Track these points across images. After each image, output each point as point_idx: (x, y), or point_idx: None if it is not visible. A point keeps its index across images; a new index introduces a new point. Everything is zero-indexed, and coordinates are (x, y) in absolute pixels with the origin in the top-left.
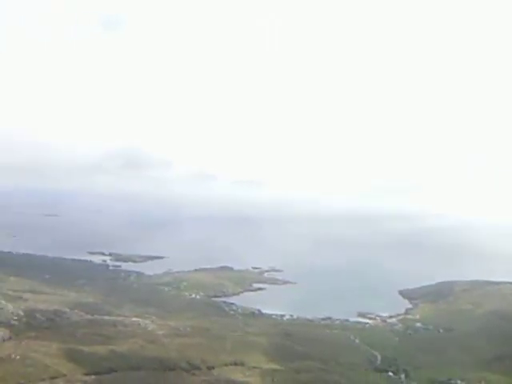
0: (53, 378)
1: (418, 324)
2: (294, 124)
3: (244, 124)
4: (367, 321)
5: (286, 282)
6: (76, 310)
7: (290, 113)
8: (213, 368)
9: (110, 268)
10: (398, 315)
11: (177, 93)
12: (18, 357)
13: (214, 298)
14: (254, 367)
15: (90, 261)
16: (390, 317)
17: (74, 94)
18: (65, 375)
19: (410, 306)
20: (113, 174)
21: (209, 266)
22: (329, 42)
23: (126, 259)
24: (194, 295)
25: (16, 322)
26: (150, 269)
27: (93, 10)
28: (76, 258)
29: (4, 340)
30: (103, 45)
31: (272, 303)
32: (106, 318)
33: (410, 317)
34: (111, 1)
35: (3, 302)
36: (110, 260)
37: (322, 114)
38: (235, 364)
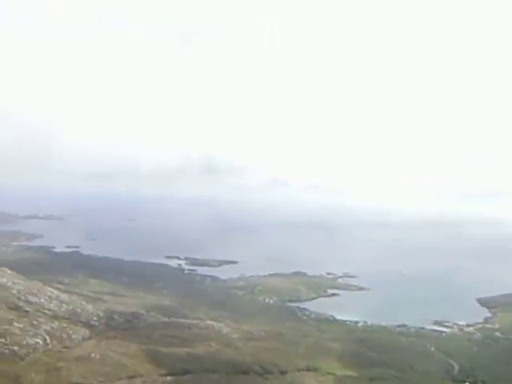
0: (130, 377)
1: (498, 334)
2: (365, 130)
3: (317, 130)
4: (444, 329)
5: (360, 288)
6: (153, 313)
7: (361, 119)
8: (286, 373)
9: (186, 272)
10: (476, 324)
11: (254, 101)
12: (97, 356)
13: (287, 303)
14: (328, 373)
15: (167, 265)
16: (468, 325)
17: (153, 102)
18: (142, 375)
19: (488, 314)
20: (190, 180)
21: (282, 272)
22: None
23: (201, 263)
24: (267, 300)
25: (96, 323)
26: (224, 273)
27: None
28: (153, 261)
29: (84, 339)
30: (182, 53)
31: (346, 309)
32: (182, 320)
33: (488, 326)
34: None
35: (84, 303)
36: (186, 264)
37: (392, 119)
38: (308, 369)
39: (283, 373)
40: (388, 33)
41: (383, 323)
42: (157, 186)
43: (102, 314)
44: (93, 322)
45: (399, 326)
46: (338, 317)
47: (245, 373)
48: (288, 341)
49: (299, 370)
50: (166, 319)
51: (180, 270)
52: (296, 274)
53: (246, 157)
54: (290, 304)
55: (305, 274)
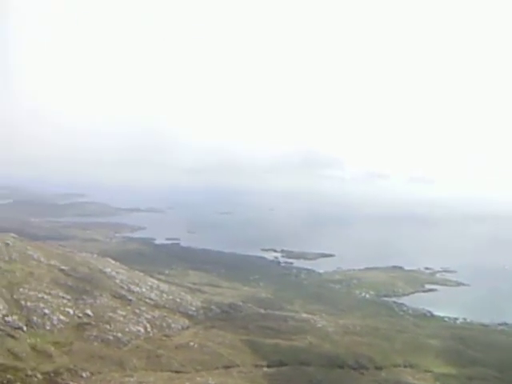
0: (226, 367)
1: None
2: (463, 120)
3: (415, 122)
4: None
5: (459, 284)
6: (249, 304)
7: (458, 110)
8: (381, 368)
9: (282, 265)
10: None
11: (351, 93)
12: (195, 345)
13: (383, 298)
14: (425, 370)
15: (263, 257)
16: None
17: (251, 97)
18: (238, 365)
19: None
20: (287, 174)
21: (379, 265)
22: None
23: (297, 256)
24: (364, 294)
25: (194, 313)
26: (320, 266)
27: None
28: (250, 254)
29: (183, 328)
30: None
31: (444, 305)
32: (278, 312)
33: None
34: None
35: (183, 293)
36: (282, 257)
37: (493, 110)
38: (405, 366)
39: (379, 368)
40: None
41: (483, 320)
42: (254, 179)
43: (200, 304)
44: (191, 312)
45: (500, 324)
46: (436, 313)
47: (340, 367)
48: (384, 336)
49: (395, 366)
50: (262, 311)
51: (276, 262)
52: (393, 268)
53: (342, 150)
54: (387, 298)
55: (402, 269)
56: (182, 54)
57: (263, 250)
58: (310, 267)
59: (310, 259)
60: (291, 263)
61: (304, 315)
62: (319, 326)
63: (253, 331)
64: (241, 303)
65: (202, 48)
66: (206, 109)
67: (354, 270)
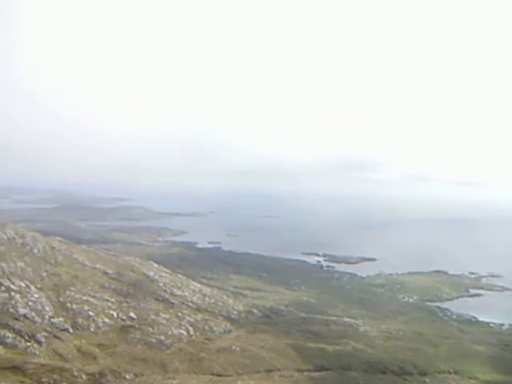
0: (268, 371)
1: None
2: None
3: (457, 124)
4: None
5: (505, 289)
6: (291, 308)
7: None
8: (425, 374)
9: (324, 269)
10: None
11: (391, 96)
12: (237, 348)
13: (427, 303)
14: (470, 377)
15: (305, 261)
16: None
17: (293, 104)
18: (279, 369)
19: None
20: (330, 178)
21: (422, 270)
22: None
23: (339, 260)
24: (407, 298)
25: (236, 317)
26: (362, 270)
27: None
28: (292, 258)
29: (225, 332)
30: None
31: (490, 311)
32: (320, 317)
33: None
34: None
35: (225, 297)
36: (324, 261)
37: None
38: (449, 372)
39: (422, 374)
40: None
41: None
42: (297, 183)
43: (242, 308)
44: (233, 316)
45: None
46: (481, 318)
47: (383, 372)
48: (428, 341)
49: (439, 373)
50: (304, 315)
51: (318, 266)
52: (437, 272)
53: (386, 153)
54: (430, 303)
55: (446, 273)
56: (226, 66)
57: (305, 253)
58: (352, 271)
59: (352, 263)
60: (333, 267)
61: (346, 319)
62: (362, 330)
63: (295, 335)
64: (283, 307)
65: (244, 60)
66: (249, 115)
67: (396, 274)
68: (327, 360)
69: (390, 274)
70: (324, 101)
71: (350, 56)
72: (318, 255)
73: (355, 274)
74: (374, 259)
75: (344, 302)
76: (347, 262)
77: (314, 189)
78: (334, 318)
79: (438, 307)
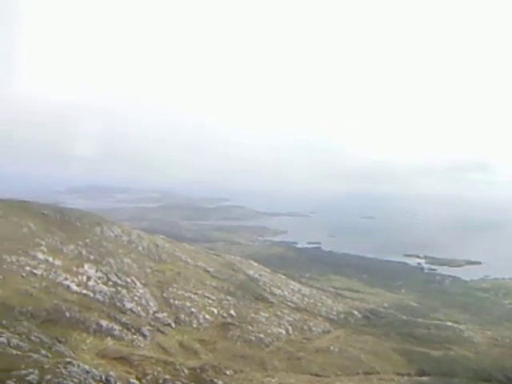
0: (367, 373)
1: None
2: None
3: None
4: None
5: None
6: (391, 310)
7: None
8: None
9: (425, 271)
10: None
11: (496, 97)
12: (336, 349)
13: None
14: None
15: (406, 263)
16: None
17: (396, 106)
18: (378, 372)
19: None
20: (433, 179)
21: None
22: None
23: (441, 263)
24: None
25: (335, 317)
26: (466, 274)
27: None
28: (392, 259)
29: (324, 332)
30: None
31: None
32: (420, 320)
33: None
34: None
35: (324, 297)
36: (426, 263)
37: None
38: None
39: None
40: None
41: None
42: (398, 184)
43: (341, 308)
44: (332, 317)
45: None
46: None
47: (486, 380)
48: None
49: None
50: (404, 318)
51: (419, 268)
52: None
53: (492, 153)
54: None
55: None
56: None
57: (406, 255)
58: (454, 274)
59: (455, 266)
60: (435, 270)
61: (449, 324)
62: (465, 336)
63: (395, 338)
64: (382, 309)
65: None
66: (359, 118)
67: (503, 278)
68: (429, 365)
69: (496, 279)
70: (427, 102)
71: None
72: (419, 257)
73: (458, 278)
74: (479, 262)
75: (446, 306)
76: (450, 265)
77: (420, 190)
78: (436, 322)
79: None
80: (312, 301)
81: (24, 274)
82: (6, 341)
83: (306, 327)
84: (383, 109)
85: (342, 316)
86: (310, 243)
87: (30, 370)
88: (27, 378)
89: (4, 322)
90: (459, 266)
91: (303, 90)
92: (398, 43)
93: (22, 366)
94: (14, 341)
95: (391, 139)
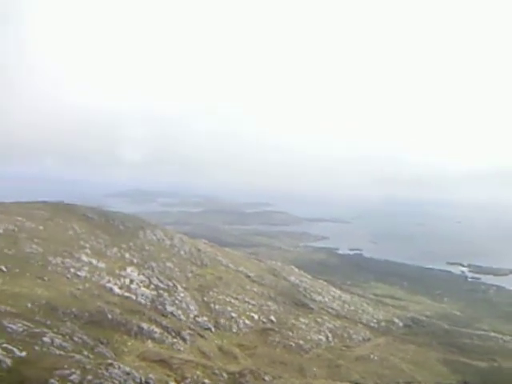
0: (407, 382)
1: None
2: None
3: None
4: None
5: None
6: (433, 319)
7: None
8: None
9: (469, 280)
10: None
11: None
12: (376, 357)
13: None
14: None
15: (449, 271)
16: None
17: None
18: (419, 382)
19: None
20: (479, 186)
21: None
22: None
23: (485, 272)
24: None
25: (375, 325)
26: (511, 283)
27: None
28: (435, 267)
29: (364, 340)
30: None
31: None
32: (463, 330)
33: None
34: None
35: (365, 304)
36: (469, 271)
37: None
38: None
39: None
40: None
41: None
42: (445, 191)
43: (381, 316)
44: (373, 324)
45: None
46: None
47: None
48: None
49: None
50: (446, 327)
51: (463, 277)
52: None
53: None
54: None
55: None
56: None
57: (449, 263)
58: (499, 284)
59: (501, 275)
60: (479, 279)
61: (492, 334)
62: (510, 347)
63: (437, 348)
64: (424, 318)
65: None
66: (397, 123)
67: None
68: (472, 376)
69: None
70: (476, 110)
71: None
72: (462, 265)
73: (503, 287)
74: None
75: (490, 316)
76: (495, 274)
77: (467, 197)
78: (480, 333)
79: None
80: (352, 308)
81: (68, 276)
82: (49, 340)
83: (346, 334)
84: (433, 115)
85: (382, 324)
86: (351, 249)
87: (73, 370)
88: (69, 378)
89: (48, 322)
90: (504, 274)
91: (352, 98)
92: (456, 56)
93: (65, 366)
94: (58, 341)
95: (440, 145)
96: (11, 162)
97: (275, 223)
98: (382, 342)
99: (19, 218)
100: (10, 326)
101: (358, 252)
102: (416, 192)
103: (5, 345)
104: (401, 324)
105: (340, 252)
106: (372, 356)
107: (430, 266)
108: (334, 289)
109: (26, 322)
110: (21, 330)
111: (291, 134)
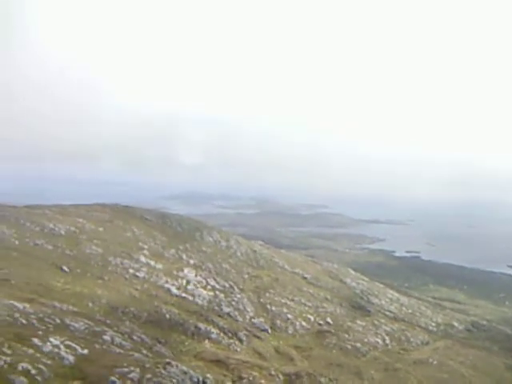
0: None
1: None
2: None
3: None
4: None
5: None
6: (494, 324)
7: None
8: None
9: None
10: None
11: None
12: (434, 362)
13: None
14: None
15: (510, 275)
16: None
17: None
18: None
19: None
20: None
21: None
22: None
23: None
24: None
25: (434, 329)
26: None
27: None
28: (495, 270)
29: (422, 344)
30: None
31: None
32: None
33: None
34: None
35: (423, 307)
36: None
37: None
38: None
39: None
40: None
41: None
42: (503, 192)
43: (440, 320)
44: (431, 328)
45: None
46: None
47: None
48: None
49: None
50: (508, 332)
51: None
52: None
53: None
54: None
55: None
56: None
57: (510, 266)
58: None
59: None
60: None
61: None
62: None
63: (498, 353)
64: (485, 322)
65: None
66: (453, 125)
67: None
68: None
69: None
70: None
71: None
72: None
73: None
74: None
75: None
76: None
77: None
78: None
79: None
80: (410, 311)
81: (127, 277)
82: (110, 339)
83: (403, 338)
84: (485, 113)
85: (441, 327)
86: (408, 252)
87: (132, 368)
88: (129, 376)
89: (108, 322)
90: None
91: (410, 105)
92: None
93: (125, 364)
94: (117, 339)
95: (493, 145)
96: (69, 164)
97: (331, 225)
98: (440, 345)
99: (80, 220)
100: (73, 324)
101: (415, 254)
102: (473, 193)
103: (68, 342)
104: (460, 328)
105: (397, 254)
106: (430, 360)
107: (490, 269)
108: (391, 291)
109: (87, 321)
110: (82, 328)
111: (351, 138)
